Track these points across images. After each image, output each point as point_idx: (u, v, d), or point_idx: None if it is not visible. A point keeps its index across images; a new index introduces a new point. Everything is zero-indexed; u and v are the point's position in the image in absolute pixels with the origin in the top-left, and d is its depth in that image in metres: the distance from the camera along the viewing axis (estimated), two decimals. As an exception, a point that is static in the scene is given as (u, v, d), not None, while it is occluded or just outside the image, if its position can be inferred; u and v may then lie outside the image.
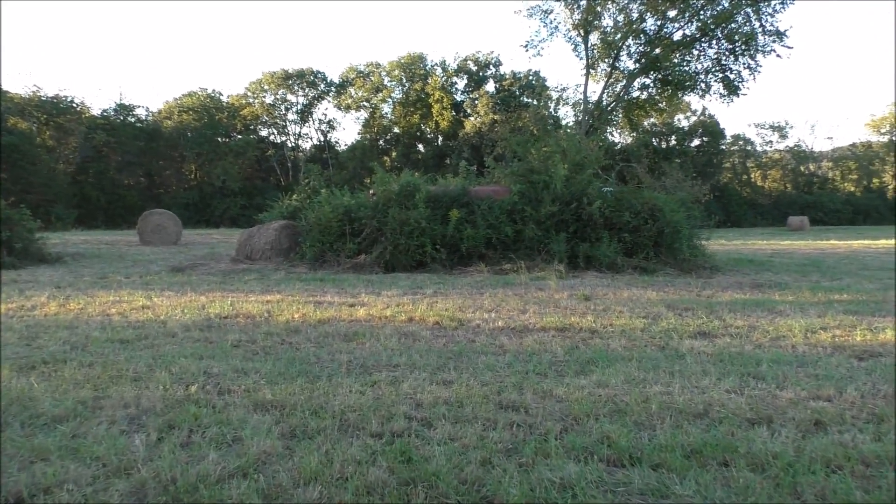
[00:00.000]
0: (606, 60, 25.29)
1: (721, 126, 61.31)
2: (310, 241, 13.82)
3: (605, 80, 25.58)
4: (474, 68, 56.15)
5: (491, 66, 56.20)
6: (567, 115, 26.15)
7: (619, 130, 26.65)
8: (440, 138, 56.33)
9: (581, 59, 25.06)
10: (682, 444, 3.41)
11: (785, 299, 9.84)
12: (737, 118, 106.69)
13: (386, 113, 57.33)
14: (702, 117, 58.07)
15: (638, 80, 25.00)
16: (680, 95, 25.32)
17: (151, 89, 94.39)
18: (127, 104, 50.88)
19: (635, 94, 25.40)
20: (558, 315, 7.89)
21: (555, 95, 26.52)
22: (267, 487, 2.88)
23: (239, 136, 54.53)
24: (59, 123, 46.28)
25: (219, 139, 52.36)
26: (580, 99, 27.28)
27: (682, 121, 56.61)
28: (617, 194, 14.14)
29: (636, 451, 3.31)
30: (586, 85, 25.53)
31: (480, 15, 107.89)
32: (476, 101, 52.55)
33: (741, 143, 66.79)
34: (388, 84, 56.87)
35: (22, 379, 4.68)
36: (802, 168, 69.66)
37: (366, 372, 5.02)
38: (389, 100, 56.74)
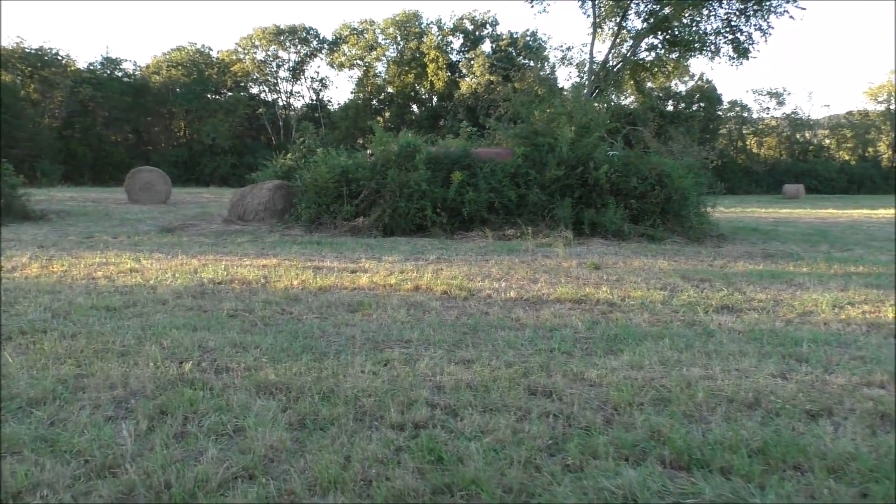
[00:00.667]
0: (614, 19, 24.40)
1: (718, 92, 60.73)
2: (305, 203, 13.30)
3: (612, 39, 24.68)
4: (471, 27, 54.94)
5: (488, 26, 55.05)
6: (570, 77, 25.34)
7: (625, 93, 25.72)
8: (435, 99, 55.35)
9: (588, 16, 24.28)
10: (744, 441, 3.01)
11: (800, 271, 9.49)
12: (733, 84, 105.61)
13: (380, 72, 56.16)
14: (699, 82, 57.25)
15: (646, 40, 24.28)
16: (688, 57, 24.56)
17: (139, 43, 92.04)
18: (114, 58, 49.68)
19: (642, 55, 24.67)
20: (571, 285, 7.48)
21: (559, 55, 25.70)
22: (277, 494, 2.47)
23: (229, 94, 53.35)
24: (44, 76, 45.02)
25: (208, 96, 51.23)
26: (585, 59, 26.45)
27: (679, 86, 55.86)
28: (624, 159, 13.66)
29: (694, 450, 2.91)
30: (592, 44, 24.73)
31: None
32: (472, 62, 51.48)
33: (738, 109, 66.12)
34: (383, 42, 55.63)
35: (-3, 352, 4.23)
36: (798, 136, 69.17)
37: (376, 348, 4.59)
38: (383, 58, 55.52)
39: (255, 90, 56.93)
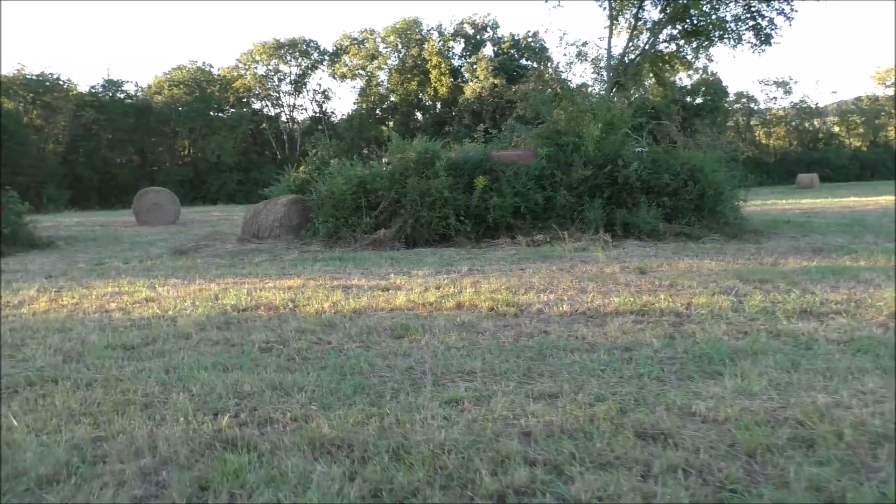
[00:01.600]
0: (630, 10, 23.73)
1: (724, 84, 59.96)
2: (322, 217, 12.72)
3: (630, 32, 23.99)
4: (471, 32, 54.49)
5: (489, 29, 54.56)
6: (585, 73, 24.66)
7: (645, 87, 25.01)
8: (438, 105, 54.85)
9: (604, 8, 23.56)
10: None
11: (859, 265, 8.86)
12: (738, 75, 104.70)
13: (382, 80, 55.71)
14: (704, 75, 56.56)
15: (665, 31, 23.52)
16: (709, 46, 23.85)
17: (140, 64, 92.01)
18: (115, 80, 49.27)
19: (661, 46, 23.95)
20: (625, 294, 6.86)
21: (574, 51, 24.95)
22: None
23: (232, 110, 52.96)
24: (47, 102, 44.74)
25: (211, 113, 50.80)
26: (600, 55, 25.67)
27: (683, 79, 55.17)
28: (652, 155, 13.02)
29: (886, 515, 2.27)
30: (610, 38, 24.03)
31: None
32: (475, 66, 50.96)
33: (744, 100, 65.33)
34: (384, 51, 55.18)
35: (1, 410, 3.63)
36: (807, 124, 68.27)
37: (437, 383, 3.98)
38: (385, 67, 55.06)
39: (257, 105, 56.55)
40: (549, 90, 50.28)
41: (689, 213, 12.57)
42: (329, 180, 12.94)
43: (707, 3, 22.21)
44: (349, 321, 5.83)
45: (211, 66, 54.23)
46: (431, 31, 54.28)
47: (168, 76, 52.75)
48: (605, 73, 22.91)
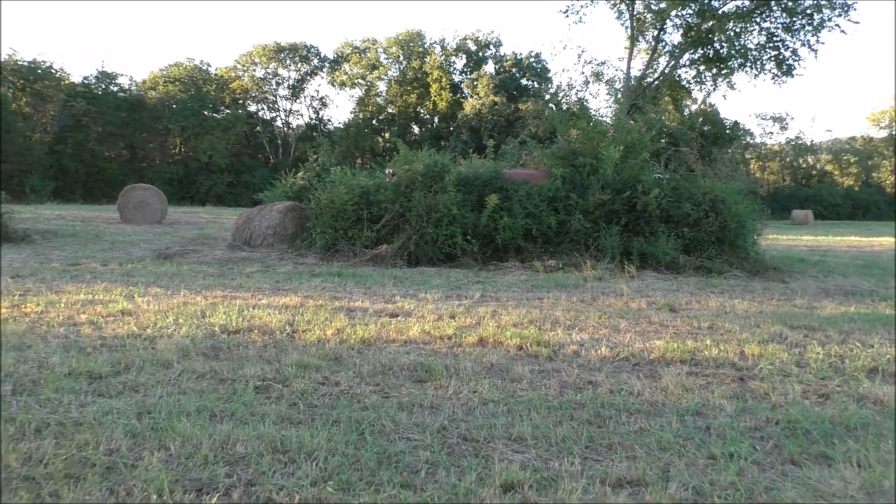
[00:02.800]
0: (651, 32, 23.12)
1: (721, 116, 59.90)
2: (320, 227, 11.87)
3: (650, 54, 23.36)
4: (474, 48, 54.10)
5: (491, 47, 54.17)
6: (599, 93, 23.97)
7: (664, 111, 24.43)
8: (436, 119, 54.27)
9: (626, 28, 22.89)
10: None
11: (902, 314, 8.16)
12: (734, 108, 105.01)
13: (381, 91, 55.06)
14: (702, 106, 56.44)
15: (686, 55, 22.87)
16: (730, 74, 23.24)
17: (136, 58, 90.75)
18: (109, 72, 48.22)
19: (681, 71, 23.40)
20: (665, 337, 6.09)
21: (592, 70, 24.31)
22: None
23: (227, 111, 52.04)
24: (37, 90, 43.62)
25: (206, 113, 49.87)
26: (615, 76, 25.01)
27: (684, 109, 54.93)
28: (673, 182, 12.31)
29: None
30: (630, 59, 23.42)
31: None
32: (476, 82, 50.48)
33: (741, 133, 65.29)
34: (385, 61, 54.58)
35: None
36: (801, 161, 68.37)
37: (478, 454, 3.16)
38: (385, 77, 54.46)
39: (253, 108, 55.71)
40: (552, 108, 49.89)
41: (708, 245, 11.87)
42: (330, 188, 12.12)
43: (731, 29, 21.67)
44: (358, 355, 5.01)
45: (209, 65, 53.45)
46: (434, 45, 53.86)
47: (164, 72, 51.82)
48: (620, 94, 22.23)
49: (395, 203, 11.86)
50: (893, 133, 67.80)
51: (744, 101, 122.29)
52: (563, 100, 25.24)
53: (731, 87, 23.34)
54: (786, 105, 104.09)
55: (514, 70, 52.24)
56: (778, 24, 21.52)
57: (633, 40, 23.07)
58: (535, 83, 52.95)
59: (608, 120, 13.19)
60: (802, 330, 6.79)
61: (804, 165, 68.29)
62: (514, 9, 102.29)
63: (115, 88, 48.48)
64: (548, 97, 53.01)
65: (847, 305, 8.71)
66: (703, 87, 23.49)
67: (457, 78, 54.14)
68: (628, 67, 23.24)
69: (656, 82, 23.12)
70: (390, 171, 13.16)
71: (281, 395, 3.95)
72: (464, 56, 54.46)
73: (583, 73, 25.07)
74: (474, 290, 8.82)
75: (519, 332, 6.00)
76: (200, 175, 46.84)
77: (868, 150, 68.25)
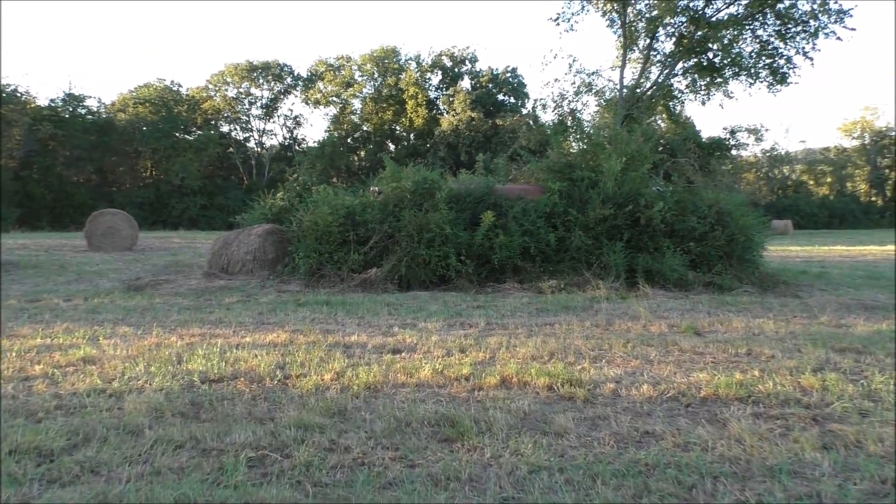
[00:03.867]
0: (644, 41, 22.54)
1: (697, 128, 60.13)
2: (303, 251, 11.06)
3: (643, 63, 22.79)
4: (449, 64, 53.73)
5: (467, 62, 53.85)
6: (588, 104, 23.39)
7: (656, 121, 23.83)
8: (412, 136, 53.67)
9: (618, 36, 22.21)
10: None
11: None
12: (708, 121, 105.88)
13: (357, 109, 54.35)
14: (647, 125, 56.39)
15: (680, 64, 22.37)
16: (725, 83, 22.74)
17: (104, 79, 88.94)
18: (77, 94, 46.87)
19: (675, 80, 22.84)
20: (705, 367, 5.44)
21: (583, 80, 23.70)
22: None
23: (199, 132, 50.93)
24: (1, 114, 42.18)
25: (177, 134, 48.72)
26: (605, 87, 24.34)
27: (659, 122, 54.96)
28: (676, 195, 11.73)
29: None
30: (623, 68, 22.76)
31: (455, 7, 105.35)
32: (452, 98, 50.03)
33: (737, 143, 65.60)
34: (360, 79, 53.95)
35: None
36: (776, 171, 68.85)
37: (553, 556, 2.40)
38: (360, 94, 53.78)
39: (226, 128, 54.67)
40: (528, 124, 49.49)
41: (716, 260, 11.28)
42: (312, 209, 11.33)
43: (724, 36, 21.19)
44: (366, 406, 4.23)
45: (179, 86, 52.38)
46: (409, 61, 53.38)
47: (134, 93, 50.63)
48: (615, 105, 21.63)
49: (383, 223, 11.11)
50: (866, 143, 68.76)
51: (729, 112, 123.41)
52: (556, 110, 24.61)
53: (728, 95, 22.98)
54: (760, 116, 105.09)
55: (490, 86, 51.92)
56: (772, 31, 21.19)
57: (626, 49, 22.52)
58: (512, 98, 52.68)
59: (605, 131, 12.52)
60: (849, 354, 6.17)
61: (779, 176, 68.79)
62: (490, 25, 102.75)
63: (83, 111, 47.19)
64: (525, 112, 52.90)
65: (875, 322, 8.13)
66: (698, 95, 23.10)
67: (433, 94, 53.68)
68: (621, 77, 22.71)
69: (649, 92, 22.62)
70: (376, 189, 12.42)
71: (281, 470, 3.15)
72: (439, 72, 54.06)
73: (574, 82, 24.47)
74: (477, 317, 8.08)
75: (543, 367, 5.27)
76: (173, 198, 45.63)
77: (842, 159, 69.02)
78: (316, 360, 5.44)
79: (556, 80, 24.86)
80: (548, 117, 25.97)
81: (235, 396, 4.42)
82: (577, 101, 24.15)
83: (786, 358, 5.89)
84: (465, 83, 52.97)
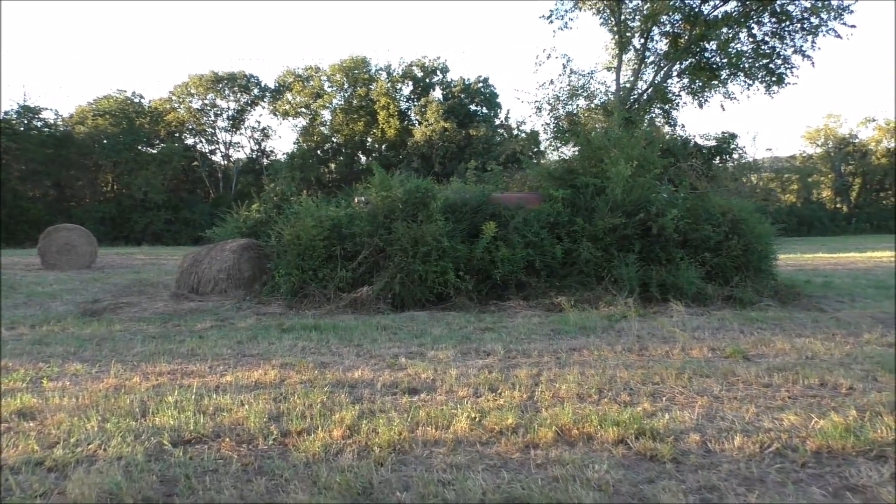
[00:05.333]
0: (639, 40, 21.77)
1: (690, 133, 60.11)
2: (284, 268, 9.93)
3: (638, 64, 21.93)
4: (420, 74, 52.81)
5: (438, 73, 52.98)
6: (584, 108, 22.35)
7: (656, 124, 23.05)
8: (384, 148, 52.58)
9: (613, 33, 21.22)
10: None
11: None
12: (696, 126, 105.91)
13: (326, 120, 53.10)
14: (649, 128, 56.44)
15: (678, 65, 21.58)
16: (724, 84, 21.99)
17: (61, 91, 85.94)
18: (32, 106, 44.73)
19: (671, 81, 22.07)
20: (788, 406, 4.57)
21: (579, 81, 22.71)
22: None
23: (162, 144, 49.12)
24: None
25: (139, 147, 46.86)
26: (598, 88, 23.39)
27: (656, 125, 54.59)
28: (688, 202, 10.90)
29: None
30: (619, 69, 21.89)
31: (425, 18, 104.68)
32: (425, 109, 49.12)
33: (736, 146, 65.71)
34: (329, 89, 52.74)
35: None
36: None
37: None
38: (330, 105, 52.54)
39: (190, 141, 52.87)
40: (502, 135, 48.70)
41: (731, 271, 10.44)
42: (294, 221, 10.21)
43: (722, 35, 20.45)
44: (397, 479, 3.18)
45: (141, 97, 50.47)
46: (380, 72, 52.35)
47: (93, 105, 48.68)
48: (617, 106, 20.70)
49: (373, 236, 10.03)
50: (830, 151, 69.64)
51: (710, 118, 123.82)
52: (552, 113, 23.60)
53: (730, 97, 22.28)
54: (725, 124, 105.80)
55: (462, 96, 51.10)
56: (768, 29, 20.55)
57: (622, 48, 21.67)
58: (485, 108, 51.97)
59: (608, 134, 11.65)
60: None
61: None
62: (460, 35, 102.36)
63: (40, 123, 45.08)
64: (498, 122, 52.20)
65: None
66: (695, 97, 22.32)
67: (404, 105, 52.69)
68: (618, 77, 21.86)
69: (646, 94, 21.84)
70: (362, 199, 11.35)
71: None
72: (410, 83, 53.12)
73: (569, 83, 23.53)
74: (490, 342, 7.07)
75: (598, 410, 4.29)
76: (135, 213, 43.76)
77: (808, 167, 69.71)
78: (318, 408, 4.36)
79: (550, 81, 23.69)
80: (542, 121, 24.90)
81: (220, 468, 3.33)
82: (574, 104, 23.24)
83: (867, 389, 5.01)
84: (437, 93, 52.12)
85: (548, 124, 22.92)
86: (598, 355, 6.37)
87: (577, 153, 11.50)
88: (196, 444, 3.70)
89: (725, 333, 7.72)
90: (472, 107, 52.10)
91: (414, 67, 52.54)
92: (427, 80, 52.76)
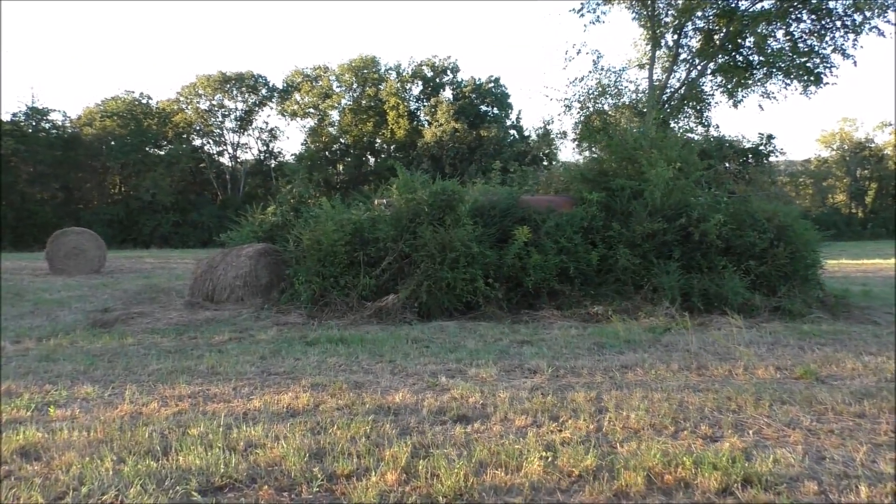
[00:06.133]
0: (671, 37, 21.04)
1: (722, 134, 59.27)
2: (304, 275, 9.39)
3: (671, 62, 21.16)
4: (430, 74, 52.27)
5: (448, 72, 52.44)
6: (615, 106, 21.65)
7: (690, 124, 22.33)
8: (393, 148, 52.06)
9: (646, 28, 20.45)
10: None
11: None
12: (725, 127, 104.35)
13: (335, 120, 52.59)
14: (687, 128, 55.61)
15: (709, 62, 20.81)
16: (764, 82, 21.20)
17: (69, 92, 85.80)
18: (41, 108, 44.38)
19: (706, 80, 21.30)
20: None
21: (612, 78, 21.88)
22: None
23: (170, 146, 48.72)
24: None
25: (147, 148, 46.46)
26: (627, 87, 22.62)
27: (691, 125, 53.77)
28: (731, 206, 10.31)
29: None
30: (652, 66, 21.19)
31: (435, 16, 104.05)
32: (435, 109, 48.58)
33: (773, 148, 64.95)
34: (338, 89, 52.25)
35: None
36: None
37: None
38: (339, 106, 52.04)
39: (198, 142, 52.44)
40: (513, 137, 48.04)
41: (777, 280, 9.85)
42: (314, 225, 9.67)
43: (761, 32, 19.71)
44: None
45: (149, 98, 50.04)
46: (390, 71, 51.84)
47: (101, 107, 48.31)
48: (654, 104, 19.96)
49: (397, 241, 9.49)
50: (845, 155, 68.76)
51: (731, 119, 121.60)
52: (581, 112, 22.84)
53: (768, 96, 21.47)
54: (740, 128, 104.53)
55: (473, 96, 50.53)
56: (806, 27, 19.78)
57: (655, 44, 20.88)
58: (496, 109, 51.40)
59: (646, 134, 11.07)
60: None
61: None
62: (472, 34, 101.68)
63: (48, 125, 44.73)
64: (509, 123, 51.60)
65: None
66: (731, 97, 21.48)
67: (413, 105, 52.19)
68: (651, 74, 21.09)
69: (679, 93, 21.10)
70: (384, 201, 10.81)
71: None
72: (420, 83, 52.59)
73: (599, 80, 22.77)
74: (531, 357, 6.53)
75: (684, 446, 3.73)
76: (143, 215, 43.33)
77: (823, 171, 68.81)
78: (363, 442, 3.81)
79: (581, 78, 22.77)
80: (571, 119, 24.03)
81: (262, 529, 2.78)
82: (605, 102, 22.45)
83: None
84: (448, 94, 51.58)
85: (579, 122, 22.17)
86: (655, 375, 5.82)
87: (608, 154, 10.90)
88: (229, 490, 3.16)
89: (784, 350, 7.15)
90: (483, 107, 51.52)
91: (424, 67, 52.01)
92: (437, 80, 52.22)
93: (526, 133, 51.33)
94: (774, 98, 21.31)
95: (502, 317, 9.08)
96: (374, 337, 7.57)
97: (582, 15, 22.75)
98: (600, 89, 22.22)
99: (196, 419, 4.23)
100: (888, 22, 19.18)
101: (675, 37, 21.25)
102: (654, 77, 21.65)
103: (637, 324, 8.48)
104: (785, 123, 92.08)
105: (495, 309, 9.25)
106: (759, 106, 25.84)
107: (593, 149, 10.97)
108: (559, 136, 23.04)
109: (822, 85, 20.48)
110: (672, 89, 21.55)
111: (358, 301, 9.13)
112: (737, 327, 8.43)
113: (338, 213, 9.77)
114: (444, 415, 4.49)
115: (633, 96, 22.34)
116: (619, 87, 22.29)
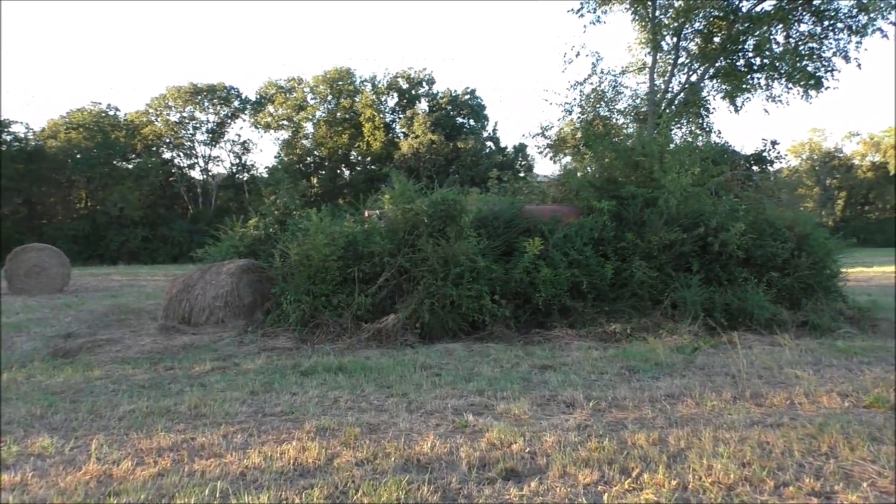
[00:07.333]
0: (672, 39, 20.46)
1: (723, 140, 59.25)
2: (293, 294, 8.49)
3: (671, 65, 20.62)
4: (405, 86, 51.64)
5: (424, 84, 51.85)
6: (607, 110, 21.02)
7: (692, 129, 21.70)
8: (368, 161, 51.19)
9: (646, 29, 19.86)
10: None
11: None
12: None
13: (310, 133, 51.61)
14: (694, 134, 55.48)
15: (710, 65, 20.29)
16: (759, 87, 20.81)
17: (33, 104, 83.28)
18: (2, 120, 42.73)
19: (706, 84, 20.70)
20: None
21: (610, 83, 21.18)
22: None
23: (139, 159, 47.23)
24: None
25: (115, 161, 44.93)
26: (624, 92, 21.98)
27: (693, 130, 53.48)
28: (750, 214, 9.68)
29: None
30: (653, 69, 20.60)
31: (410, 29, 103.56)
32: (412, 121, 47.93)
33: (778, 154, 65.08)
34: (312, 101, 51.30)
35: None
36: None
37: None
38: (313, 118, 51.08)
39: (168, 155, 50.99)
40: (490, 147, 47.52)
41: (799, 293, 9.23)
42: (302, 239, 8.80)
43: (762, 34, 19.25)
44: None
45: (117, 110, 48.51)
46: (365, 83, 51.08)
47: (66, 119, 46.68)
48: (660, 109, 19.33)
49: (395, 255, 8.66)
50: (815, 164, 69.61)
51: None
52: (583, 116, 22.18)
53: (773, 100, 21.01)
54: (737, 134, 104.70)
55: (449, 108, 49.99)
56: (806, 29, 19.40)
57: (656, 46, 20.28)
58: (472, 121, 50.92)
59: (657, 139, 10.42)
60: None
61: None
62: (446, 46, 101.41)
63: (9, 137, 43.03)
64: (486, 135, 51.09)
65: None
66: (732, 101, 21.02)
67: (389, 117, 51.48)
68: (651, 76, 20.51)
69: (678, 97, 20.55)
70: (376, 212, 9.99)
71: None
72: (395, 94, 51.93)
73: (599, 83, 22.15)
74: (561, 387, 5.75)
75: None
76: (111, 230, 41.76)
77: (794, 181, 69.55)
78: (398, 516, 2.98)
79: (580, 81, 22.10)
80: (570, 124, 23.37)
81: None
82: (605, 107, 21.82)
83: None
84: (423, 105, 50.97)
85: (579, 127, 21.51)
86: (711, 407, 5.06)
87: (614, 160, 10.22)
88: None
89: (832, 371, 6.48)
90: (460, 119, 51.07)
91: (399, 79, 51.37)
92: (413, 92, 51.62)
93: (503, 145, 50.98)
94: (780, 102, 20.97)
95: (512, 337, 8.29)
96: (377, 364, 6.72)
97: (581, 15, 22.26)
98: (597, 95, 21.63)
99: (182, 485, 3.35)
100: (891, 23, 18.95)
101: (675, 40, 20.77)
102: (654, 81, 21.21)
103: (661, 342, 7.75)
104: (784, 129, 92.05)
105: (503, 328, 8.46)
106: (765, 110, 25.60)
107: (602, 153, 10.24)
108: (558, 142, 22.29)
109: (822, 89, 20.15)
110: (672, 93, 21.05)
111: (353, 322, 8.26)
112: (768, 346, 7.78)
113: (328, 226, 8.90)
114: (488, 469, 3.67)
115: (630, 101, 21.84)
116: (619, 91, 21.78)
